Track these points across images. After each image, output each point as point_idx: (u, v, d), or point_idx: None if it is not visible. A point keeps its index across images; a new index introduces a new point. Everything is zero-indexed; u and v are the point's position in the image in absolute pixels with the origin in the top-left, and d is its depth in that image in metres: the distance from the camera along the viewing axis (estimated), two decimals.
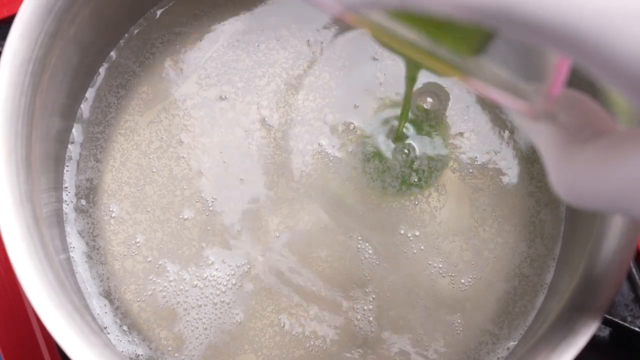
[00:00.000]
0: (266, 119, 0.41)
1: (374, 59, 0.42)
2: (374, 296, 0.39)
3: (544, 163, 0.22)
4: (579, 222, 0.38)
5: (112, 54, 0.41)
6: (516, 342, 0.39)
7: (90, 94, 0.41)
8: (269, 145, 0.41)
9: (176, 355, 0.38)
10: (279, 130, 0.41)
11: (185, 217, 0.40)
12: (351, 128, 0.41)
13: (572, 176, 0.21)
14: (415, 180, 0.40)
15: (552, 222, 0.40)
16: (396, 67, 0.41)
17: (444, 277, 0.39)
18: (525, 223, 0.40)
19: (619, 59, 0.17)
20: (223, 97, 0.41)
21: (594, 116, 0.22)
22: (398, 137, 0.40)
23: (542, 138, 0.22)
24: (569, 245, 0.39)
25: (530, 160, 0.41)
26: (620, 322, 0.40)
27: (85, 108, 0.40)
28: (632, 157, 0.19)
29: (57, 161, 0.39)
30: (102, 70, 0.41)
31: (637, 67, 0.17)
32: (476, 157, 0.41)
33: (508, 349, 0.39)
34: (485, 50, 0.21)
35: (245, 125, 0.41)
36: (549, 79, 0.21)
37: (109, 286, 0.39)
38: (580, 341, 0.31)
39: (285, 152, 0.41)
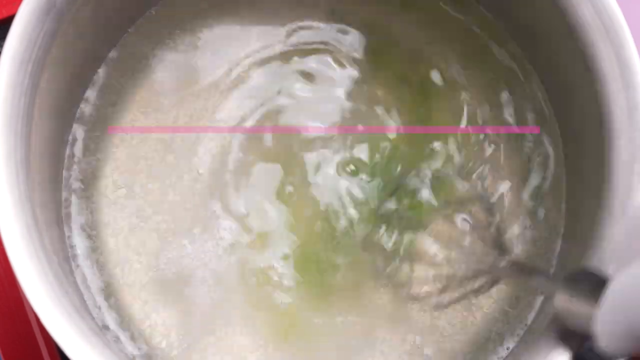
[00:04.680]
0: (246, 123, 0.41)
1: None
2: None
3: None
4: (579, 222, 0.38)
5: (112, 53, 0.41)
6: (516, 342, 0.39)
7: (90, 93, 0.41)
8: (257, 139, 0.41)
9: (184, 346, 0.38)
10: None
11: (197, 213, 0.40)
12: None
13: None
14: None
15: (551, 220, 0.40)
16: None
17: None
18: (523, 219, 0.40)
19: None
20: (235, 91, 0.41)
21: None
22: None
23: None
24: (568, 245, 0.39)
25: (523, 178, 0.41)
26: None
27: (85, 107, 0.40)
28: None
29: (57, 161, 0.39)
30: (102, 70, 0.41)
31: None
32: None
33: (508, 348, 0.39)
34: None
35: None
36: None
37: (109, 286, 0.39)
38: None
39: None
